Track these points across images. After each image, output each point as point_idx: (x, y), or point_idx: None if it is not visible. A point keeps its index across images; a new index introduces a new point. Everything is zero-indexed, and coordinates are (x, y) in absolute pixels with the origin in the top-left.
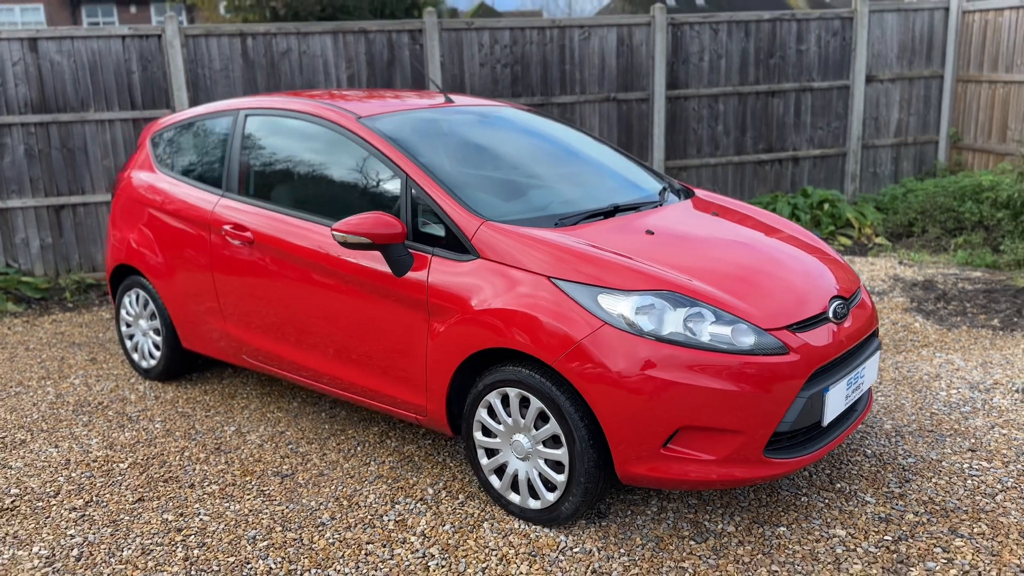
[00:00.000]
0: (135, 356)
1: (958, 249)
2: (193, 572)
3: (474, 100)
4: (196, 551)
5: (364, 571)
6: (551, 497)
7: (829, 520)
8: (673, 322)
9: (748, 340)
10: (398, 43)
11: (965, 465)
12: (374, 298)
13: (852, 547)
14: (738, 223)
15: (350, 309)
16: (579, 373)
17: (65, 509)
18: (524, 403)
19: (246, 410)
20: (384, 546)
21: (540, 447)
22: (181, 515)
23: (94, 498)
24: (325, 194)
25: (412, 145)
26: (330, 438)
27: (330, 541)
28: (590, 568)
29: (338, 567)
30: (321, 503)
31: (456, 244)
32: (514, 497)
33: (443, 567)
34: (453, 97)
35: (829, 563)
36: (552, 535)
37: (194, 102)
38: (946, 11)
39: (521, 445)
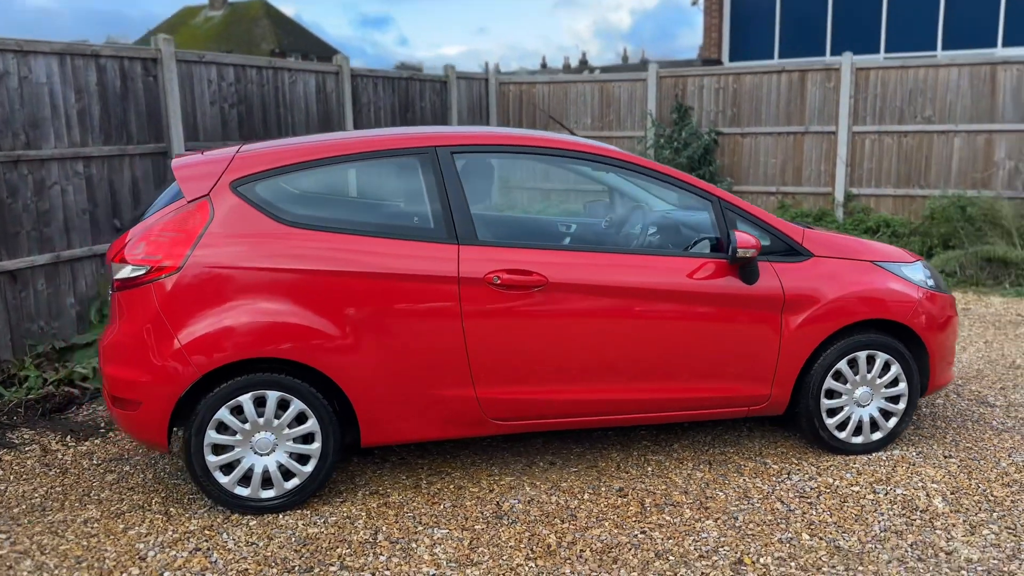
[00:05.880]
0: (242, 490)
1: None
2: None
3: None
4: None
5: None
6: (877, 436)
7: (997, 429)
8: (922, 278)
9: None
10: (131, 73)
11: None
12: (721, 311)
13: None
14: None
15: (690, 328)
16: (919, 324)
17: None
18: (868, 360)
19: (482, 490)
20: (915, 522)
21: (883, 389)
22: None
23: None
24: (625, 226)
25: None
26: (610, 480)
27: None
28: (976, 487)
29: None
30: (791, 518)
31: (786, 250)
32: (856, 439)
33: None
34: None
35: None
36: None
37: None
38: (487, 82)
39: (867, 394)
